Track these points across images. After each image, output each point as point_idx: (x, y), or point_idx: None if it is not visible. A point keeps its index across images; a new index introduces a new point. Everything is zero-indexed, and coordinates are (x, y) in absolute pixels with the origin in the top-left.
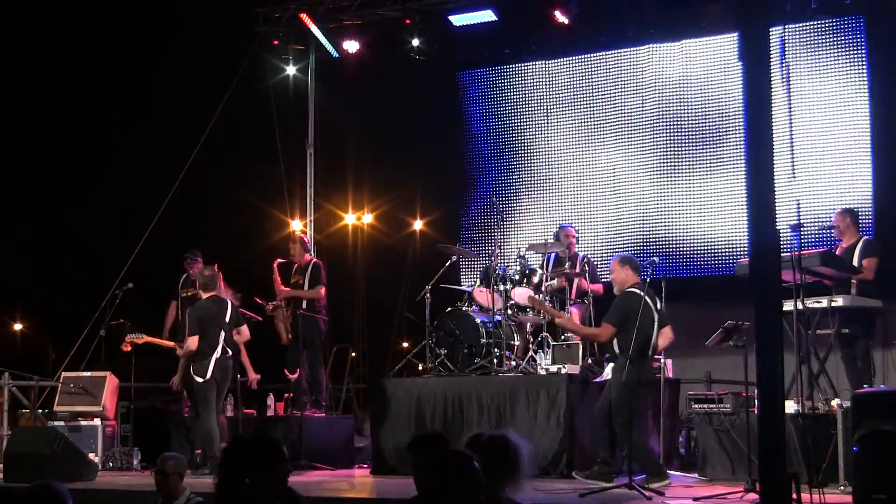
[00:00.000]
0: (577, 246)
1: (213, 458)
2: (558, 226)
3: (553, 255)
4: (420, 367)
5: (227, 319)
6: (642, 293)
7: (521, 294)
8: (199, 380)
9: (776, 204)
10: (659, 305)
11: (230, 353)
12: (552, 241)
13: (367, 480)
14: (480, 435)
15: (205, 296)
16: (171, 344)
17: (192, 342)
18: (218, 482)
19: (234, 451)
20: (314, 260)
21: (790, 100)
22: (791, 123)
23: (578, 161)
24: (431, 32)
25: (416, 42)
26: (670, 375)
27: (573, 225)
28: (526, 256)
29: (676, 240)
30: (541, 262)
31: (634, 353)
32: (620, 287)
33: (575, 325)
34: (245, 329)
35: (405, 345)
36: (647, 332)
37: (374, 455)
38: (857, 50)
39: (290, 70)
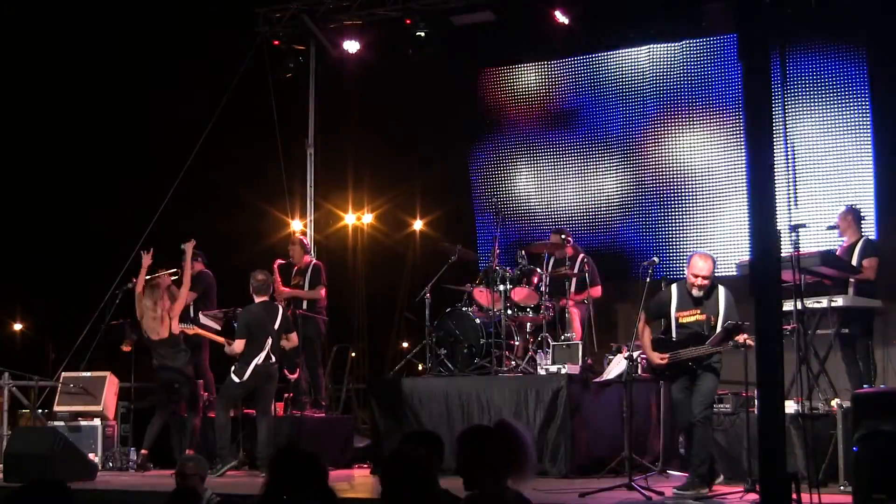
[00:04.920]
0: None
1: (225, 449)
2: (558, 226)
3: (553, 255)
4: (420, 367)
5: (277, 326)
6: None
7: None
8: (236, 380)
9: (777, 205)
10: None
11: (273, 359)
12: (551, 241)
13: (367, 480)
14: (480, 426)
15: (257, 300)
16: (222, 340)
17: (238, 345)
18: (266, 484)
19: (283, 459)
20: (314, 261)
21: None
22: (791, 143)
23: (579, 161)
24: (431, 33)
25: (416, 42)
26: None
27: (566, 228)
28: (525, 256)
29: (677, 240)
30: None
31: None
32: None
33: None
34: (294, 336)
35: (405, 345)
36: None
37: (374, 455)
38: (859, 65)
39: (290, 70)
